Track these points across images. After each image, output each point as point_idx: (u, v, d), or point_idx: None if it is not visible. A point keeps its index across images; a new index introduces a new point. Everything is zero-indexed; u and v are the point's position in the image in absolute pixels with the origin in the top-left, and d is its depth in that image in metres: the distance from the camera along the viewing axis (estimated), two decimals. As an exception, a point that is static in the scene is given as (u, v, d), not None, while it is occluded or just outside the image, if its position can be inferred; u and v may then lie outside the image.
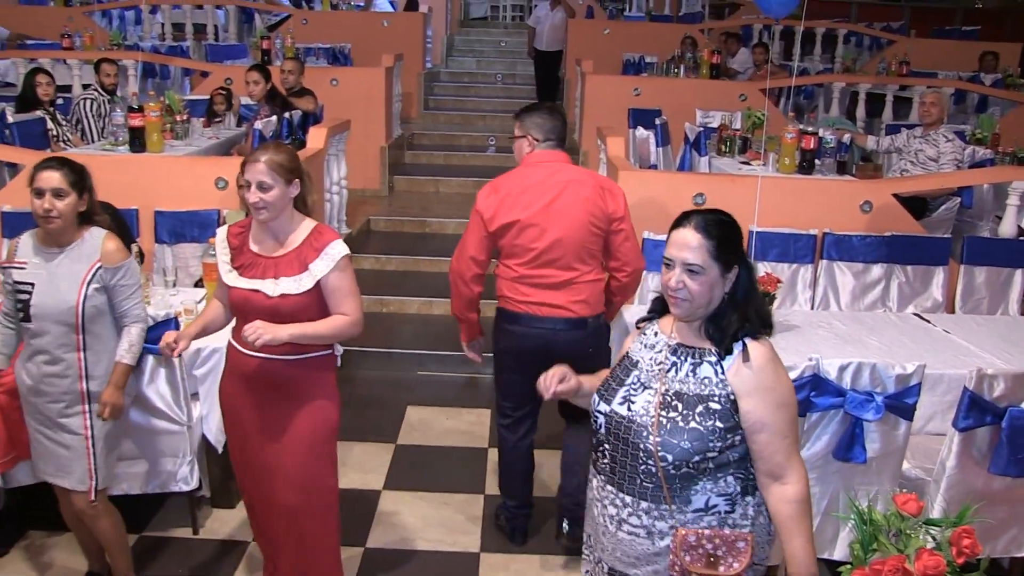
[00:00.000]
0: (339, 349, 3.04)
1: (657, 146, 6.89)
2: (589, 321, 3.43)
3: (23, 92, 6.86)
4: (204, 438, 3.69)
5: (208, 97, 7.54)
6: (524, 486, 3.76)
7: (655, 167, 6.76)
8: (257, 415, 2.93)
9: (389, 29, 10.67)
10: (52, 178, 2.90)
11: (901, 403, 3.09)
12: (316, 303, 2.84)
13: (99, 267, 2.97)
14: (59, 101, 6.92)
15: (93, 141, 6.60)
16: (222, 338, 3.14)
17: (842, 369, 3.08)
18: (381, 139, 8.29)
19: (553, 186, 3.40)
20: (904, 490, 2.01)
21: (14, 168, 5.43)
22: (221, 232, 2.96)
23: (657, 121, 7.06)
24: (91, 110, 6.86)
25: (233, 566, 3.58)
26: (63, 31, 9.34)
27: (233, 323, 2.98)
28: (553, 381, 2.25)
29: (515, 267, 3.43)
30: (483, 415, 4.94)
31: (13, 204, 4.88)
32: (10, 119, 6.45)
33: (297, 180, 2.83)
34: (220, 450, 3.69)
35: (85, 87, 7.64)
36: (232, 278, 2.86)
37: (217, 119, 7.24)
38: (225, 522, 3.85)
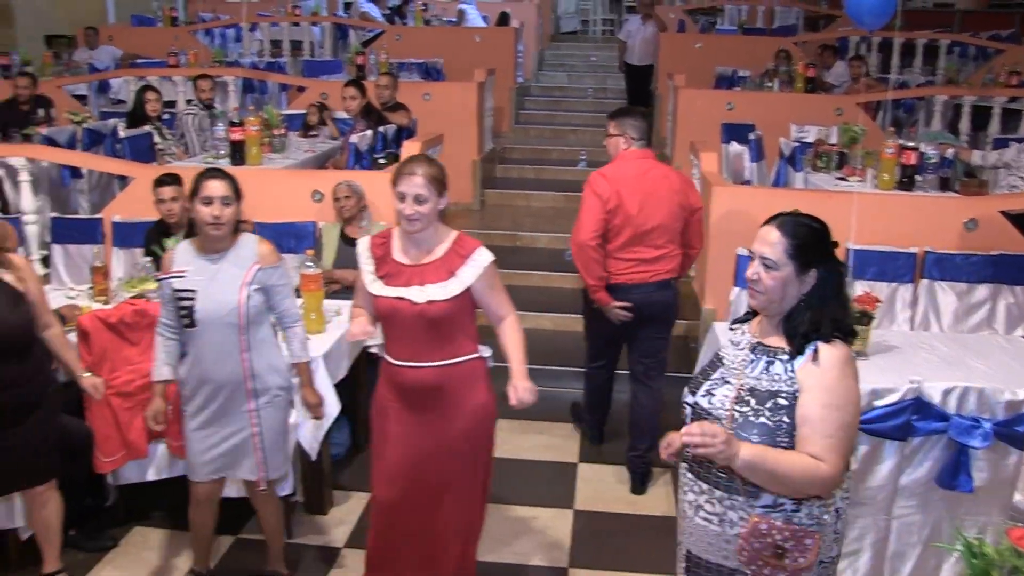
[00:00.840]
0: (486, 351, 3.06)
1: (751, 161, 6.78)
2: (672, 282, 4.15)
3: (133, 108, 7.18)
4: (298, 445, 3.78)
5: (304, 111, 7.75)
6: (603, 407, 4.70)
7: (749, 183, 6.66)
8: (414, 427, 2.99)
9: (481, 44, 10.78)
10: (220, 187, 3.05)
11: (1012, 431, 2.96)
12: (461, 308, 2.93)
13: (258, 269, 3.11)
14: (165, 116, 7.21)
15: (195, 154, 6.85)
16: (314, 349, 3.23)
17: (946, 393, 2.98)
18: (473, 153, 8.37)
19: (652, 179, 4.04)
20: (1017, 523, 1.92)
21: (124, 180, 5.67)
22: (363, 243, 3.03)
23: (751, 136, 6.95)
24: (193, 124, 7.13)
25: (323, 572, 3.65)
26: (170, 50, 9.74)
27: (379, 333, 3.05)
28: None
29: (613, 245, 4.01)
30: (567, 429, 4.93)
31: (123, 215, 5.10)
32: (121, 134, 6.76)
33: (445, 192, 2.93)
34: (313, 457, 3.77)
35: (188, 102, 7.94)
36: (377, 287, 2.93)
37: (312, 133, 7.44)
38: (317, 528, 3.93)
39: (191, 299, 3.06)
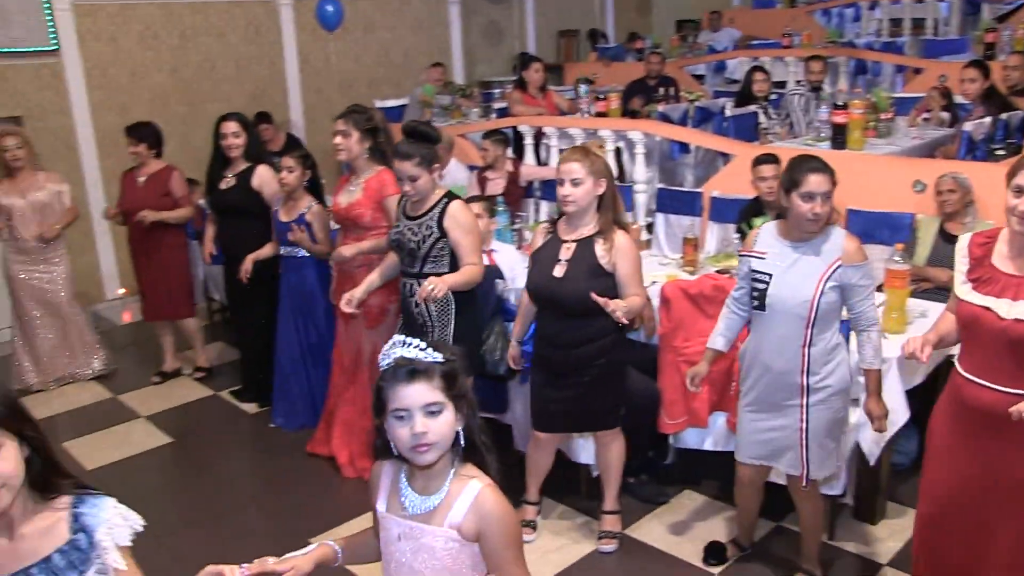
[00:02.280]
0: None
1: None
2: None
3: (743, 88, 7.43)
4: (857, 446, 3.58)
5: (918, 96, 7.21)
6: None
7: None
8: (965, 451, 2.63)
9: None
10: (822, 182, 2.92)
11: None
12: None
13: (839, 265, 2.96)
14: (772, 96, 7.32)
15: (799, 135, 6.83)
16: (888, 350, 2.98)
17: None
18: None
19: None
20: None
21: (726, 157, 5.90)
22: (963, 240, 2.69)
23: None
24: (799, 105, 7.11)
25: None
26: (784, 30, 9.84)
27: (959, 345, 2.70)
28: None
29: None
30: None
31: (721, 190, 5.32)
32: (728, 113, 7.05)
33: None
34: (872, 462, 3.55)
35: (797, 83, 7.95)
36: (964, 291, 2.59)
37: (926, 117, 6.89)
38: (863, 537, 3.70)
39: (765, 282, 3.03)
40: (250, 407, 5.30)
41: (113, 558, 1.70)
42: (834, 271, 2.95)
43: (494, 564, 1.90)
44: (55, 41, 6.95)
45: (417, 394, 1.82)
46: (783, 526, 3.77)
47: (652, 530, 3.82)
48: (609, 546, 3.69)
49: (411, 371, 1.83)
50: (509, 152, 6.19)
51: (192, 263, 5.94)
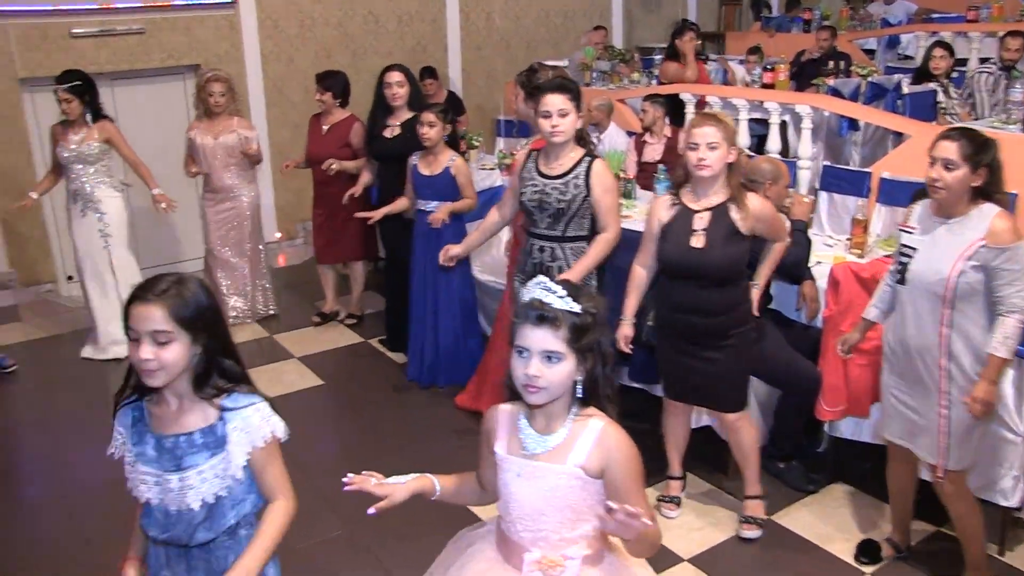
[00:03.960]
0: None
1: None
2: None
3: (921, 65, 6.97)
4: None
5: None
6: None
7: None
8: None
9: None
10: (947, 148, 2.82)
11: None
12: None
13: (982, 245, 2.79)
14: (954, 74, 6.84)
15: (982, 116, 6.38)
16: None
17: None
18: None
19: None
20: None
21: (899, 137, 5.57)
22: None
23: None
24: (985, 84, 6.63)
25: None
26: (970, 4, 9.16)
27: None
28: None
29: None
30: None
31: (893, 172, 5.01)
32: (905, 90, 6.64)
33: None
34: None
35: (982, 61, 7.41)
36: None
37: None
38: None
39: (909, 256, 2.94)
40: (399, 357, 5.41)
41: (236, 449, 1.95)
42: (977, 251, 2.79)
43: (618, 498, 1.91)
44: (234, -6, 7.24)
45: (539, 339, 1.86)
46: (943, 531, 3.55)
47: (799, 519, 3.68)
48: (751, 532, 3.58)
49: (540, 316, 1.86)
50: (667, 120, 6.03)
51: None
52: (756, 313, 3.46)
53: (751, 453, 3.57)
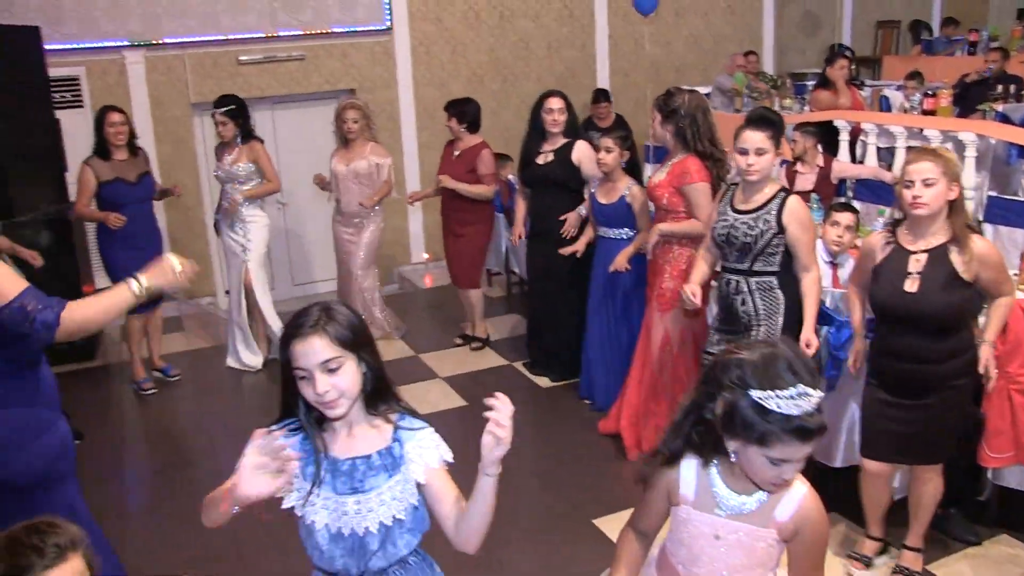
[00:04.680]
0: None
1: None
2: None
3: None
4: None
5: None
6: None
7: None
8: None
9: None
10: None
11: None
12: None
13: None
14: None
15: None
16: None
17: None
18: None
19: None
20: None
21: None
22: None
23: None
24: None
25: None
26: None
27: None
28: None
29: None
30: None
31: None
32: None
33: None
34: None
35: None
36: None
37: None
38: None
39: None
40: (543, 381, 5.44)
41: (415, 470, 1.96)
42: None
43: (800, 565, 1.96)
44: (389, 20, 7.54)
45: (792, 452, 1.79)
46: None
47: (959, 573, 3.47)
48: (904, 583, 3.39)
49: (805, 431, 1.75)
50: (819, 149, 5.86)
51: (496, 236, 6.18)
52: (982, 370, 3.18)
53: (932, 506, 3.37)
